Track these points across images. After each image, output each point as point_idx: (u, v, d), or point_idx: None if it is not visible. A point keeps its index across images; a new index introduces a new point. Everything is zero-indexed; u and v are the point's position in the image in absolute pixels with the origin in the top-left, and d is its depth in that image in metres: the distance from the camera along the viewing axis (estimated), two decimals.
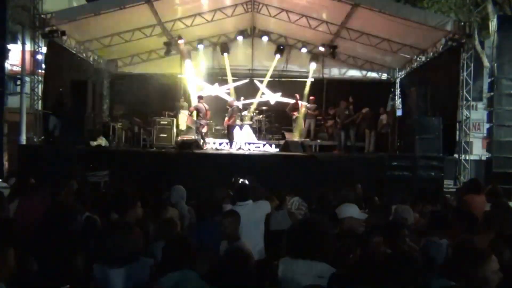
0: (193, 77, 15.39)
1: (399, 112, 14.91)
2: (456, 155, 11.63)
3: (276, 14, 14.15)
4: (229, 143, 13.11)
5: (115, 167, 9.53)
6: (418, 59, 13.98)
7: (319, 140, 14.71)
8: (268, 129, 14.80)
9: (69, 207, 3.89)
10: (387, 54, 14.58)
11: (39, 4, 11.93)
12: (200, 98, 13.54)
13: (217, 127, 14.92)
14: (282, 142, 13.30)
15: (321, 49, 14.91)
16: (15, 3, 11.99)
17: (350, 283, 2.36)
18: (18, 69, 15.86)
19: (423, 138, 10.53)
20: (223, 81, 15.59)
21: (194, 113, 13.64)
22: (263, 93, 15.56)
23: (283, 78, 16.23)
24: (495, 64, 11.07)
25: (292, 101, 14.71)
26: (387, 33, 13.04)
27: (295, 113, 14.66)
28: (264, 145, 13.62)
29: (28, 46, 13.18)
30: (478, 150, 17.39)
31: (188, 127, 14.19)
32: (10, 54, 12.84)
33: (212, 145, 13.56)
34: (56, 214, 3.52)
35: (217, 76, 15.70)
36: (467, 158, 11.81)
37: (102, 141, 12.35)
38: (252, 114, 14.60)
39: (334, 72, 16.76)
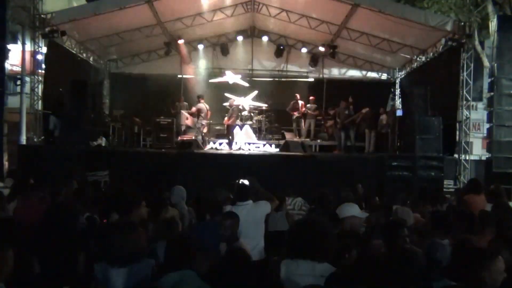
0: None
1: (399, 112, 14.85)
2: (456, 155, 11.63)
3: (276, 14, 14.15)
4: (229, 143, 13.10)
5: (115, 167, 9.55)
6: (418, 59, 13.98)
7: (319, 140, 14.71)
8: (268, 129, 14.77)
9: (70, 207, 3.88)
10: (387, 54, 14.59)
11: (39, 4, 11.94)
12: (200, 98, 13.53)
13: (217, 127, 14.90)
14: (282, 142, 13.29)
15: (321, 49, 14.92)
16: (15, 3, 11.96)
17: (347, 283, 2.35)
18: (18, 69, 15.79)
19: (423, 138, 10.53)
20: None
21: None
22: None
23: (283, 78, 16.22)
24: (495, 64, 11.06)
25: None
26: (387, 33, 13.05)
27: (295, 113, 14.67)
28: (264, 145, 13.59)
29: (28, 46, 13.14)
30: (478, 150, 17.40)
31: (188, 127, 14.18)
32: (10, 54, 12.77)
33: (212, 145, 13.56)
34: (56, 214, 3.51)
35: (217, 76, 15.68)
36: (467, 158, 11.82)
37: (102, 141, 12.35)
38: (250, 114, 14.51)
39: (334, 72, 16.76)
